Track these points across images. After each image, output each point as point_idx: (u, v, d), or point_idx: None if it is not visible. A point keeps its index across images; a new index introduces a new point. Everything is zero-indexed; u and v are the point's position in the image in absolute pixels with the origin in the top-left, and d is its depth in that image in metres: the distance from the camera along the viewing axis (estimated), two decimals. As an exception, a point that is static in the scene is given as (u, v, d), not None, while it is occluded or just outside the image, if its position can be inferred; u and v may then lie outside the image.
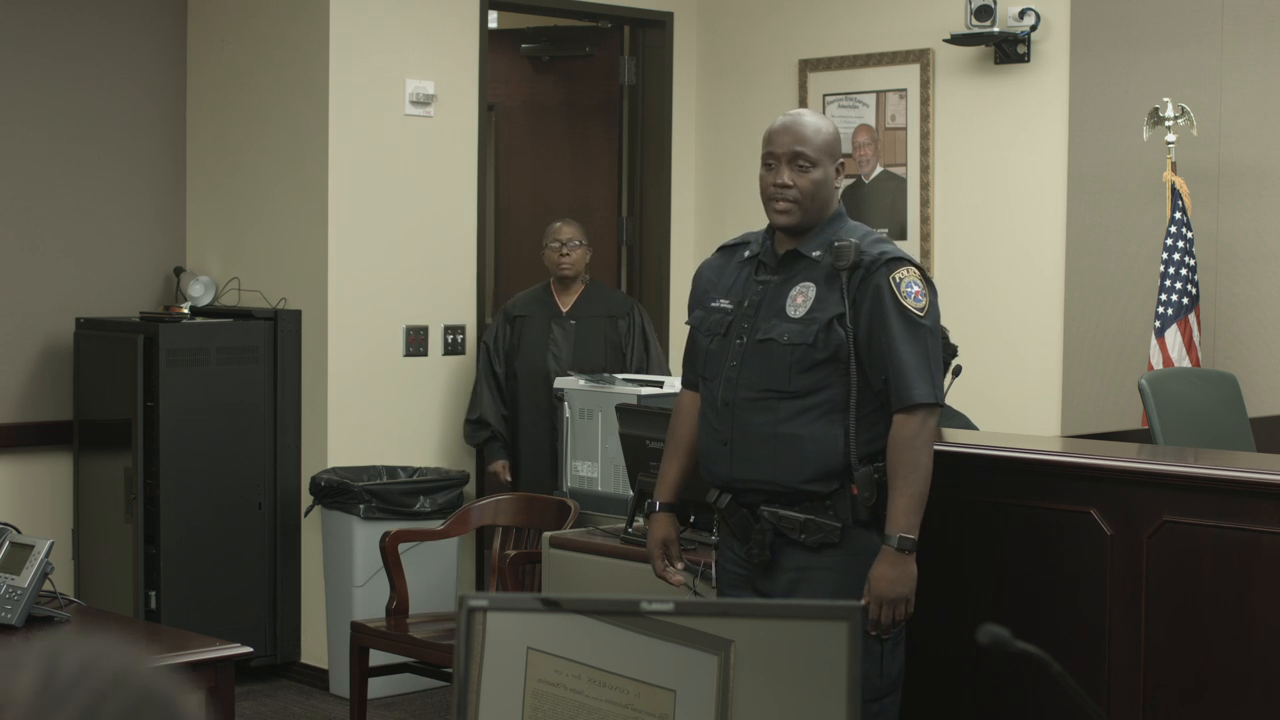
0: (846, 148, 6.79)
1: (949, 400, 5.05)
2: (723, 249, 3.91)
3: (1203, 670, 3.56)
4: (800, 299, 3.66)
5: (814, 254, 3.68)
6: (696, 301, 3.86)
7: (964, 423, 4.96)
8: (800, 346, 3.62)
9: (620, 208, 7.28)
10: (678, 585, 3.87)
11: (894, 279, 3.60)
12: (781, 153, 3.67)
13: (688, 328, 3.94)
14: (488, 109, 6.66)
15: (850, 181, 6.78)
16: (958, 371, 4.98)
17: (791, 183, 3.65)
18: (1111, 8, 6.10)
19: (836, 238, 3.66)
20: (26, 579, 3.89)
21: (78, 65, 6.40)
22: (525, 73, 7.13)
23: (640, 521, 4.52)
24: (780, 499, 3.65)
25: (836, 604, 1.98)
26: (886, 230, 6.61)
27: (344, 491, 6.03)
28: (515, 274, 7.11)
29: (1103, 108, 6.10)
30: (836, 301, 3.62)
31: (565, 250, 6.33)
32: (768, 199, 3.70)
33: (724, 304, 3.77)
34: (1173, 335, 5.57)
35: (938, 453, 3.84)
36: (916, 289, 3.62)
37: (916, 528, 3.55)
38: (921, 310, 3.61)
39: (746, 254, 3.80)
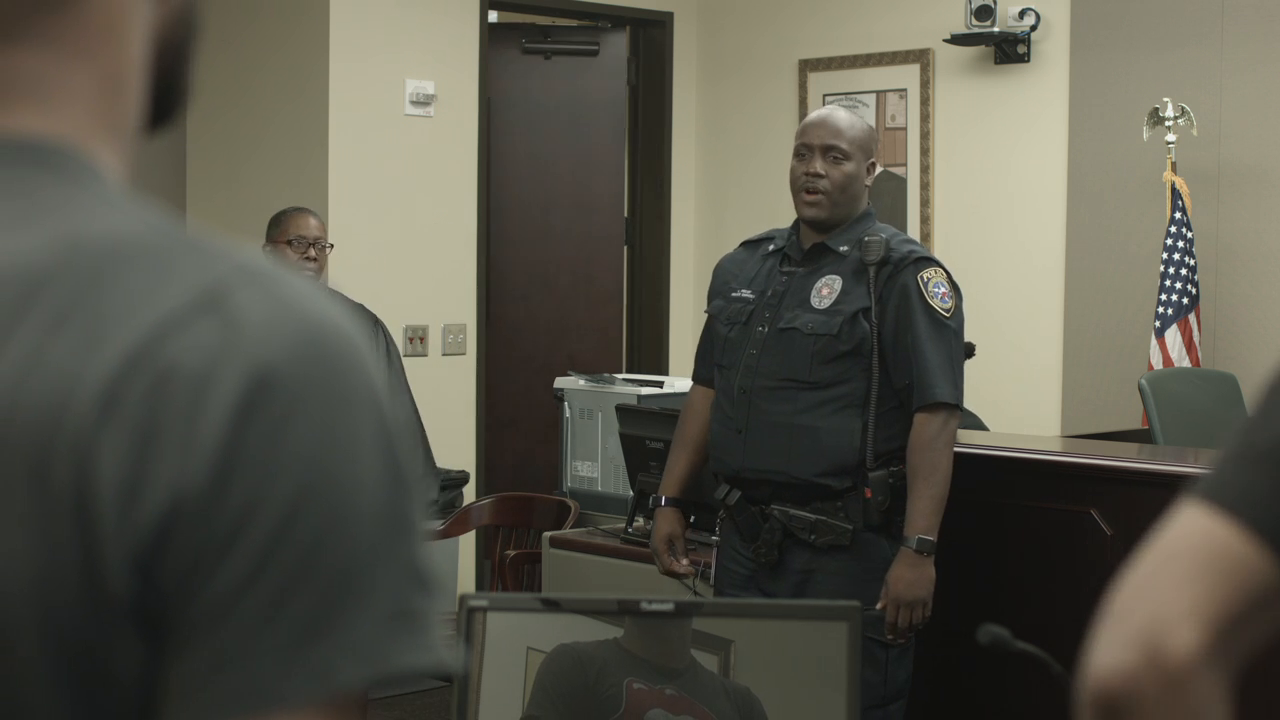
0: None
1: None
2: (746, 243, 3.90)
3: (1203, 670, 3.56)
4: (826, 290, 3.65)
5: (842, 249, 3.67)
6: (716, 292, 3.85)
7: (975, 422, 4.97)
8: (824, 337, 3.61)
9: (624, 208, 7.27)
10: (685, 574, 3.87)
11: (922, 278, 3.60)
12: (816, 144, 3.68)
13: (703, 323, 3.93)
14: (486, 105, 6.65)
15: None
16: (970, 353, 4.98)
17: (824, 172, 3.66)
18: (1111, 8, 6.09)
19: (865, 234, 3.66)
20: None
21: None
22: (528, 68, 7.10)
23: (640, 521, 4.51)
24: (791, 495, 3.62)
25: (836, 604, 1.98)
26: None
27: (344, 491, 6.01)
28: (511, 274, 7.08)
29: (1103, 108, 6.10)
30: (863, 295, 3.61)
31: (313, 251, 4.80)
32: (798, 189, 3.70)
33: (746, 294, 3.75)
34: (1173, 335, 5.57)
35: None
36: (944, 290, 3.62)
37: (935, 530, 3.53)
38: (948, 311, 3.61)
39: (771, 248, 3.80)
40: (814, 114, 3.80)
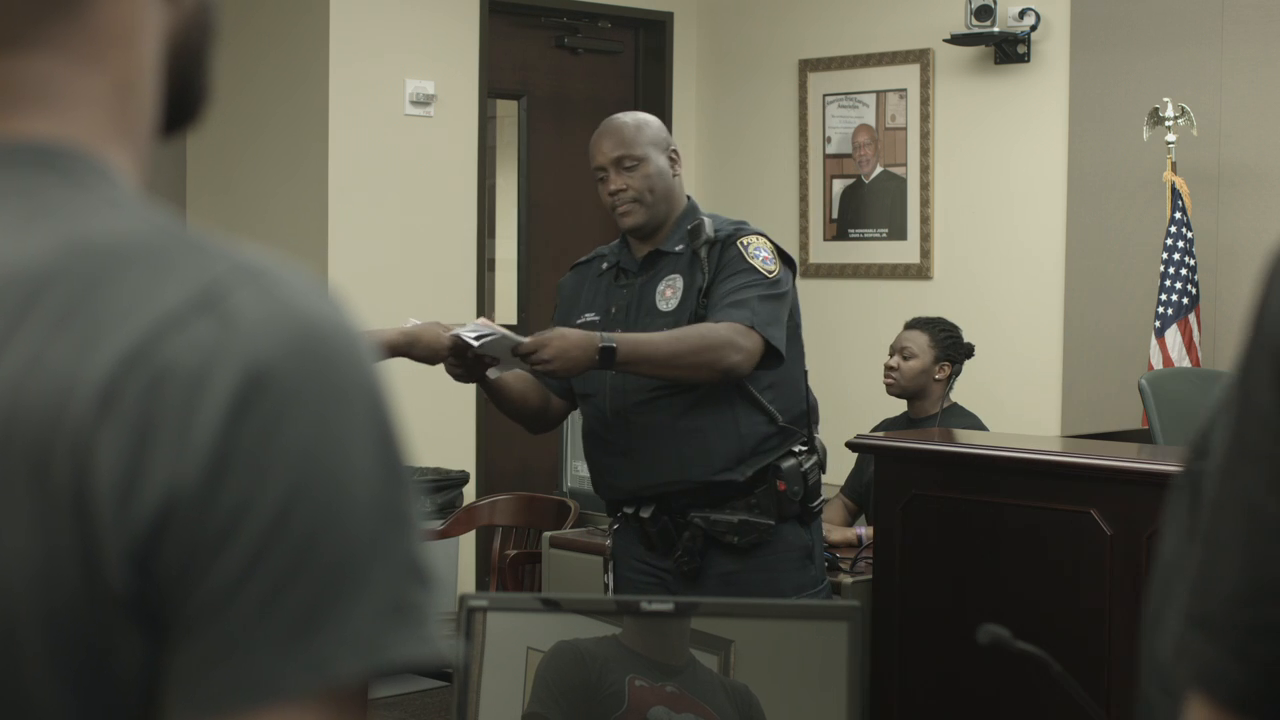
0: (846, 148, 6.79)
1: (956, 398, 5.06)
2: (577, 266, 3.83)
3: (1203, 670, 3.55)
4: (669, 292, 3.60)
5: (676, 249, 3.63)
6: (562, 319, 3.72)
7: (975, 422, 4.97)
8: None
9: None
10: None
11: (742, 243, 3.55)
12: (607, 162, 3.64)
13: None
14: (486, 104, 6.65)
15: (850, 181, 6.78)
16: (970, 353, 5.01)
17: (625, 185, 3.61)
18: (1111, 8, 6.09)
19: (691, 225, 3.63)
20: None
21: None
22: (558, 62, 7.06)
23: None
24: (702, 499, 3.56)
25: (836, 604, 1.98)
26: (887, 231, 6.62)
27: (344, 491, 6.00)
28: (548, 274, 7.04)
29: (1103, 108, 6.10)
30: (700, 280, 3.57)
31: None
32: (611, 210, 3.65)
33: (589, 317, 3.68)
34: (1173, 335, 5.57)
35: (938, 452, 3.85)
36: (765, 254, 3.55)
37: (630, 356, 3.36)
38: (770, 272, 3.52)
39: (604, 265, 3.74)
40: (596, 131, 3.72)
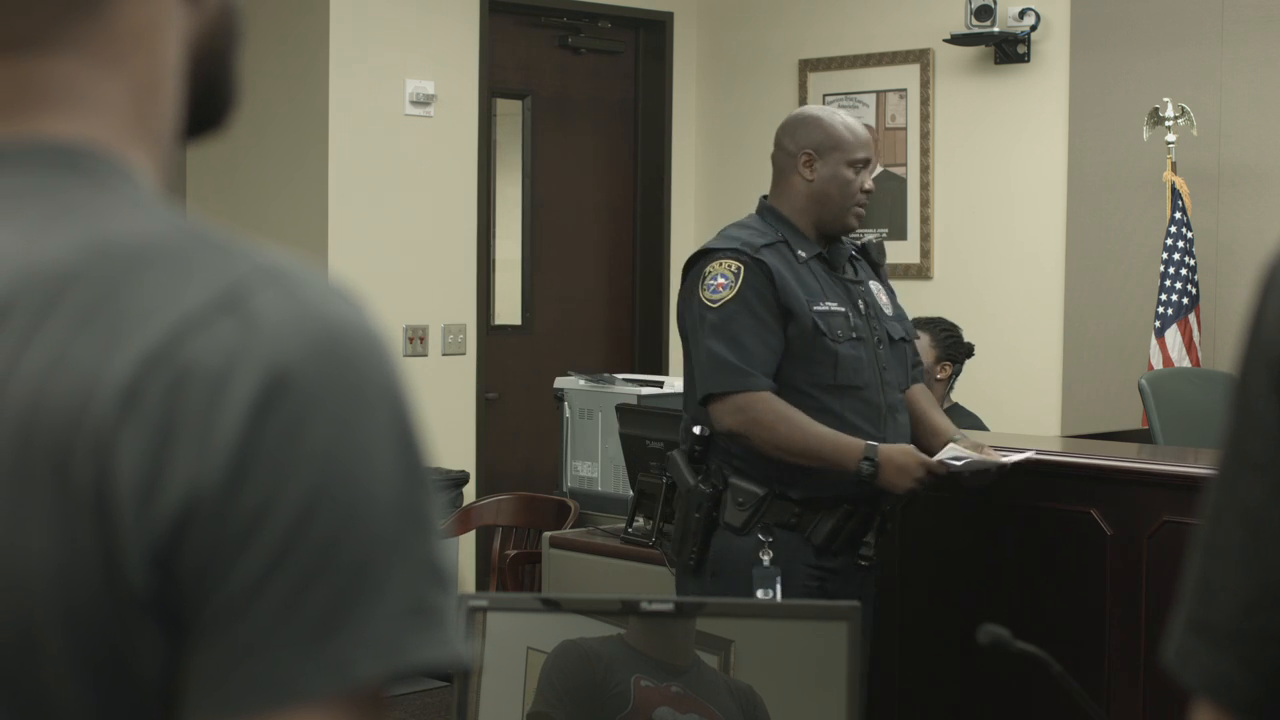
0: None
1: (956, 398, 5.08)
2: (768, 246, 3.58)
3: (1203, 670, 3.55)
4: (884, 297, 3.75)
5: (852, 252, 3.77)
6: (802, 303, 3.54)
7: (975, 422, 4.97)
8: (913, 343, 3.81)
9: (635, 209, 7.26)
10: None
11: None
12: (872, 160, 3.69)
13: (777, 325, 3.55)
14: (487, 104, 6.64)
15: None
16: (970, 353, 5.05)
17: (873, 189, 3.72)
18: (1111, 8, 6.09)
19: (854, 237, 3.82)
20: None
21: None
22: (562, 62, 7.05)
23: (640, 522, 4.49)
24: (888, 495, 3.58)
25: (836, 604, 1.98)
26: (887, 231, 6.62)
27: (344, 491, 6.00)
28: (549, 273, 7.04)
29: (1103, 108, 6.10)
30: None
31: None
32: (854, 203, 3.64)
33: (833, 306, 3.58)
34: (1173, 335, 5.56)
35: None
36: None
37: None
38: None
39: (801, 254, 3.61)
40: (860, 126, 3.71)
